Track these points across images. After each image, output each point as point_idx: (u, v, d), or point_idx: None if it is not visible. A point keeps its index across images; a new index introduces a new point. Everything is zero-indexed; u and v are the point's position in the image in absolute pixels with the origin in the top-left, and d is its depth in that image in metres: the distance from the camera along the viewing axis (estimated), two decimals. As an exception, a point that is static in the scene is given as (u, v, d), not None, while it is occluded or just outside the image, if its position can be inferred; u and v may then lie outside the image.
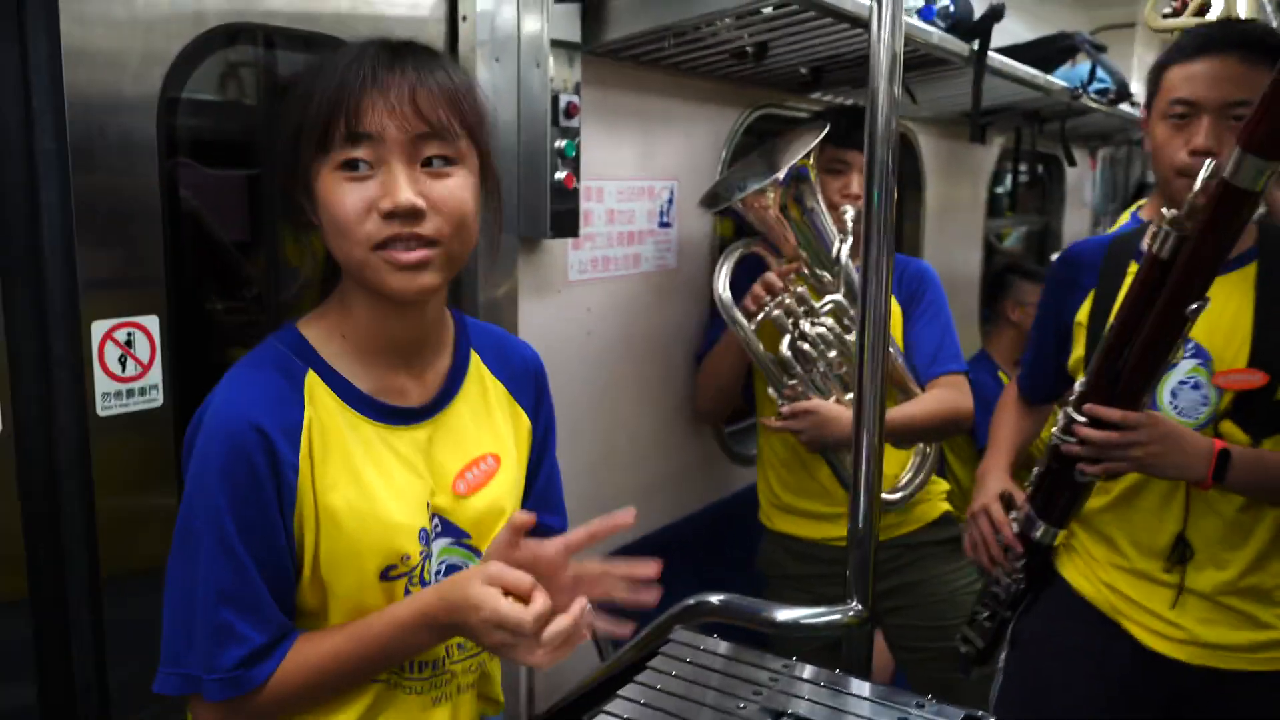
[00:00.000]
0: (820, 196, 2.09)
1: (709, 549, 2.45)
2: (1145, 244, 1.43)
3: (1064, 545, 1.74)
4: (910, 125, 3.29)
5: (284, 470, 1.04)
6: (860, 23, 1.83)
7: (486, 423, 1.22)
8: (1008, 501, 1.77)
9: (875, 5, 1.44)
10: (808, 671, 1.31)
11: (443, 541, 1.16)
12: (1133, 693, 1.65)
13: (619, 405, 2.19)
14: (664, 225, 2.24)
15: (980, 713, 1.21)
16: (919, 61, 2.43)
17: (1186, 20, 1.77)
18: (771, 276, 2.06)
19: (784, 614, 1.56)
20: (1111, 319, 1.51)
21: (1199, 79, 1.56)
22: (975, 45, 2.44)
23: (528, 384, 1.28)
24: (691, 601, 1.58)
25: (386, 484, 1.10)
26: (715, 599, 1.58)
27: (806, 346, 2.07)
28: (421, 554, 1.13)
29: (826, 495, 2.21)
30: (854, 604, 1.57)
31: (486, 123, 1.12)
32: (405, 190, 1.02)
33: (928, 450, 2.24)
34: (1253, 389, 1.53)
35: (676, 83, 2.19)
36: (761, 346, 2.08)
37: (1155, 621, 1.62)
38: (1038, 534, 1.66)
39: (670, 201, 2.24)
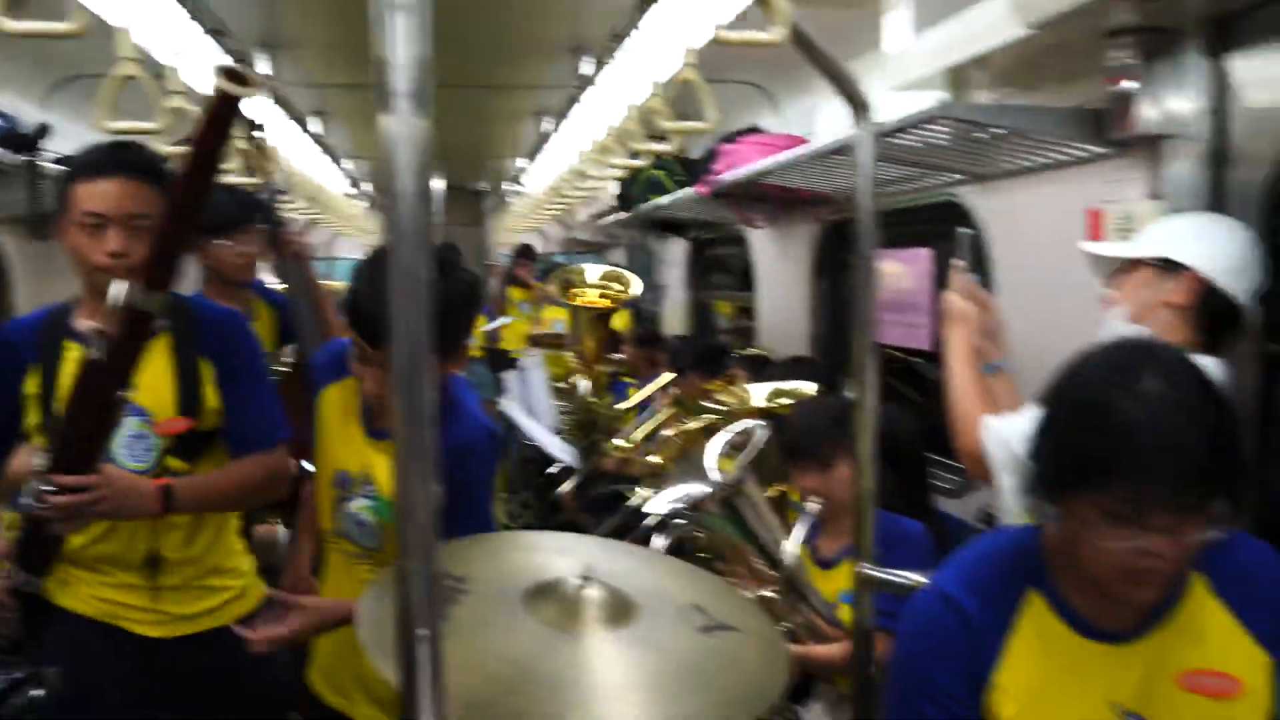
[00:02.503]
0: None
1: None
2: (83, 352, 1.73)
3: (56, 580, 1.95)
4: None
5: None
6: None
7: None
8: None
9: None
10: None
11: None
12: (142, 675, 1.97)
13: None
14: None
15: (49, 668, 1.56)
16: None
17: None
18: None
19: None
20: (62, 398, 1.79)
21: (105, 196, 1.82)
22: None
23: None
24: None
25: None
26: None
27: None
28: None
29: None
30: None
31: None
32: None
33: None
34: (183, 431, 1.95)
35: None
36: None
37: (145, 615, 1.97)
38: (26, 587, 1.90)
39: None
